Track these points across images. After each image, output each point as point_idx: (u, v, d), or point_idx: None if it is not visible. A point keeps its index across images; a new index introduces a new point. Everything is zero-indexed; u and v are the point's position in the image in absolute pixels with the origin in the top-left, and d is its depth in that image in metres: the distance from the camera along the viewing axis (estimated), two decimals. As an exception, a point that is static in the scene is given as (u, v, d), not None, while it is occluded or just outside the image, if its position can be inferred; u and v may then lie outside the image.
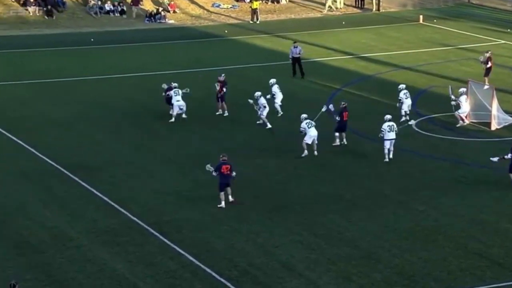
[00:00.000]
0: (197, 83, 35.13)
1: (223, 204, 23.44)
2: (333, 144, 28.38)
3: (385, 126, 27.28)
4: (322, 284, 19.48)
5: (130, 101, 34.83)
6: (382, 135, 27.27)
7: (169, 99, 31.69)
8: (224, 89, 32.10)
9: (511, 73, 38.35)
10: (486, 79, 35.60)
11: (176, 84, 31.98)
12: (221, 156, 23.91)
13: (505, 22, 50.20)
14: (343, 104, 28.89)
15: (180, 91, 31.56)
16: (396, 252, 20.94)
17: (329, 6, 53.99)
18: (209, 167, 23.59)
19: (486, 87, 32.16)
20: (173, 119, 31.39)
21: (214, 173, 23.43)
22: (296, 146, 28.07)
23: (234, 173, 23.46)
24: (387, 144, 27.23)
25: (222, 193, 23.43)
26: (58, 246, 21.40)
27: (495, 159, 25.38)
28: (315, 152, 27.64)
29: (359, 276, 19.75)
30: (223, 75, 32.74)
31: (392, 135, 27.17)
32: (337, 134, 28.51)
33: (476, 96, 31.20)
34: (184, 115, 31.59)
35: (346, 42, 45.17)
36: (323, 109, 29.30)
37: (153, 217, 23.12)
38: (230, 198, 23.54)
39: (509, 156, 24.90)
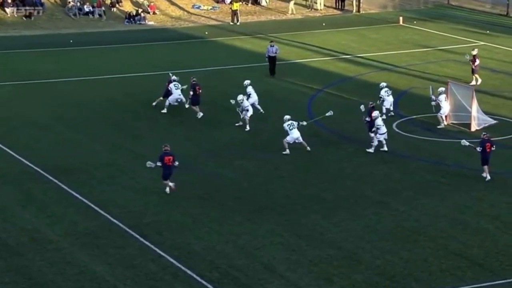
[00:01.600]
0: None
1: (167, 190, 24.42)
2: (371, 142, 28.31)
3: (379, 121, 27.81)
4: (304, 285, 19.44)
5: (110, 102, 34.65)
6: (377, 130, 27.65)
7: (167, 92, 31.80)
8: (191, 92, 31.99)
9: (490, 74, 38.57)
10: (474, 76, 36.00)
11: (175, 77, 32.28)
12: (163, 146, 24.32)
13: (484, 23, 50.52)
14: (371, 104, 28.99)
15: (179, 85, 32.06)
16: (377, 253, 20.95)
17: (292, 9, 53.66)
18: (149, 163, 24.32)
19: (473, 82, 32.40)
20: (165, 110, 31.82)
21: (158, 163, 24.20)
22: (277, 146, 28.04)
23: (176, 163, 24.32)
24: (380, 138, 27.77)
25: (166, 181, 24.37)
26: (37, 248, 21.21)
27: (467, 143, 25.62)
28: (308, 148, 27.71)
29: (341, 277, 19.74)
30: (194, 78, 32.70)
31: (385, 129, 27.93)
32: (372, 134, 28.52)
33: (456, 97, 31.34)
34: (186, 105, 32.03)
35: (326, 43, 45.22)
36: (328, 114, 29.33)
37: (133, 219, 22.99)
38: (170, 184, 24.37)
39: (478, 149, 25.28)
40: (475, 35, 47.06)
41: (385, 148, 28.02)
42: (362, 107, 29.64)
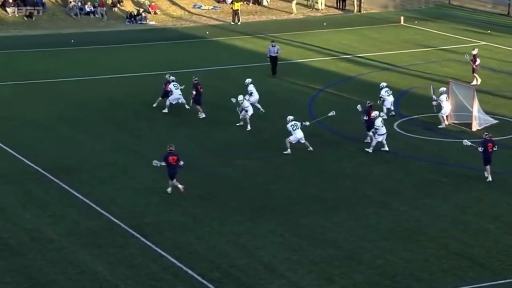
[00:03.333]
0: (179, 84, 34.98)
1: (169, 190, 24.25)
2: (367, 142, 28.35)
3: (378, 122, 27.73)
4: (304, 285, 19.44)
5: (111, 102, 34.67)
6: (376, 131, 27.60)
7: (166, 92, 31.85)
8: (194, 92, 32.00)
9: (491, 74, 38.56)
10: (475, 76, 36.00)
11: (173, 78, 32.32)
12: (168, 146, 24.29)
13: (486, 23, 50.49)
14: (369, 103, 28.99)
15: (179, 85, 32.08)
16: (378, 253, 20.95)
17: (293, 7, 53.74)
18: (156, 162, 24.27)
19: (473, 82, 32.41)
20: (166, 110, 31.86)
21: (163, 163, 24.16)
22: (278, 146, 28.05)
23: (181, 162, 24.20)
24: (380, 138, 27.72)
25: (172, 181, 24.26)
26: (38, 248, 21.22)
27: (468, 143, 25.59)
28: (310, 148, 27.70)
29: (341, 277, 19.74)
30: (194, 77, 32.72)
31: (385, 130, 27.80)
32: (369, 133, 28.54)
33: (457, 97, 31.33)
34: (187, 106, 31.98)
35: (327, 43, 45.21)
36: (330, 114, 29.35)
37: (135, 219, 23.00)
38: (179, 186, 24.13)
39: (480, 149, 25.20)
40: (476, 35, 47.04)
41: (386, 148, 28.02)
42: (359, 107, 29.66)
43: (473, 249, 21.13)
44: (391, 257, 20.72)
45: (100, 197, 24.42)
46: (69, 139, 29.99)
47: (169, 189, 24.50)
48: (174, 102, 32.29)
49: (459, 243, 21.50)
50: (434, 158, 27.85)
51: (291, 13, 53.64)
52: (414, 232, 22.17)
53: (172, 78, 32.67)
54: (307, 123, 28.27)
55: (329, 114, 29.46)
